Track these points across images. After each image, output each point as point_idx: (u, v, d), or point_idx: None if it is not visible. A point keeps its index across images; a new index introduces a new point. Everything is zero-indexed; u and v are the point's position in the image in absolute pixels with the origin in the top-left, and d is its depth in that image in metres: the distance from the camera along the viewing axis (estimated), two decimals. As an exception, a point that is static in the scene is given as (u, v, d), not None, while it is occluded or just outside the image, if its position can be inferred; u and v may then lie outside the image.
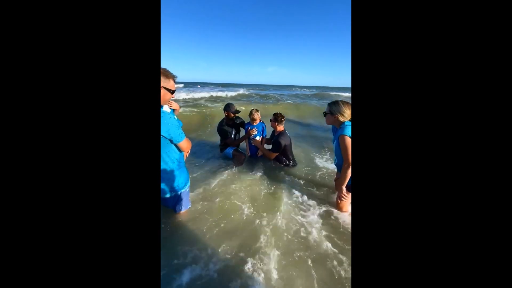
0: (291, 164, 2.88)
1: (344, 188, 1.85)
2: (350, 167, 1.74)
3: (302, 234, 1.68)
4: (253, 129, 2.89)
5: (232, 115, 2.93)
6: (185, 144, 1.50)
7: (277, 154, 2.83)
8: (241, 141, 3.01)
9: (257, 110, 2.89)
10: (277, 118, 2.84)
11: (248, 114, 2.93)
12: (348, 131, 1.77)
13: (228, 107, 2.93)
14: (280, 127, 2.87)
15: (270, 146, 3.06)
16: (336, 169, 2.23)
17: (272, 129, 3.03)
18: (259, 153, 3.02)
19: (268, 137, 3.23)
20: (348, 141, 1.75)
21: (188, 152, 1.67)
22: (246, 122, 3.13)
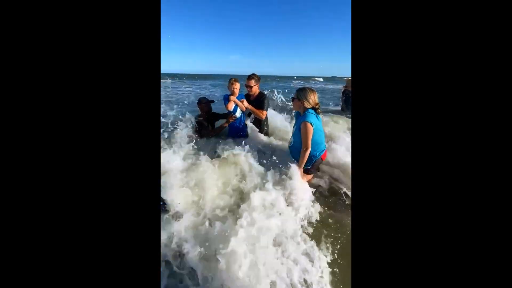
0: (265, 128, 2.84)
1: (301, 169, 2.02)
2: (307, 150, 1.95)
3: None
4: (233, 116, 2.61)
5: (204, 104, 2.78)
6: None
7: (266, 112, 2.73)
8: (221, 129, 2.81)
9: (236, 80, 2.62)
10: (255, 79, 2.70)
11: (228, 85, 2.61)
12: (310, 118, 1.94)
13: (202, 100, 2.82)
14: (256, 87, 2.75)
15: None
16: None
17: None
18: (248, 113, 2.72)
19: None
20: (309, 127, 1.92)
21: None
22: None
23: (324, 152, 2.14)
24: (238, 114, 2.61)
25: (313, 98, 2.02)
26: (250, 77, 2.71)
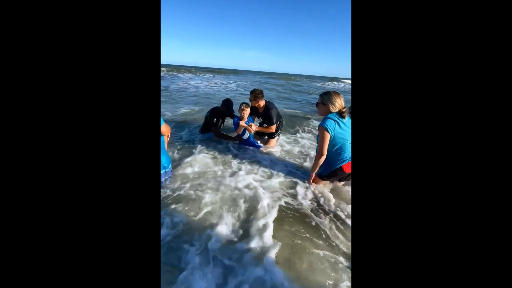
0: (280, 129, 3.08)
1: (313, 174, 2.00)
2: (321, 157, 1.88)
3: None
4: (242, 138, 2.92)
5: (227, 112, 3.07)
6: (164, 129, 1.79)
7: (275, 125, 2.95)
8: (226, 138, 3.05)
9: (247, 105, 2.84)
10: (256, 95, 2.90)
11: (238, 109, 2.88)
12: (328, 123, 1.83)
13: (230, 106, 3.04)
14: (262, 102, 2.95)
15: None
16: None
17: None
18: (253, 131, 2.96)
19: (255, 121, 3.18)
20: (324, 133, 1.82)
21: (168, 136, 1.92)
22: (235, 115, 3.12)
23: (348, 162, 1.90)
24: (245, 136, 2.90)
25: (339, 102, 1.89)
26: (251, 91, 2.94)
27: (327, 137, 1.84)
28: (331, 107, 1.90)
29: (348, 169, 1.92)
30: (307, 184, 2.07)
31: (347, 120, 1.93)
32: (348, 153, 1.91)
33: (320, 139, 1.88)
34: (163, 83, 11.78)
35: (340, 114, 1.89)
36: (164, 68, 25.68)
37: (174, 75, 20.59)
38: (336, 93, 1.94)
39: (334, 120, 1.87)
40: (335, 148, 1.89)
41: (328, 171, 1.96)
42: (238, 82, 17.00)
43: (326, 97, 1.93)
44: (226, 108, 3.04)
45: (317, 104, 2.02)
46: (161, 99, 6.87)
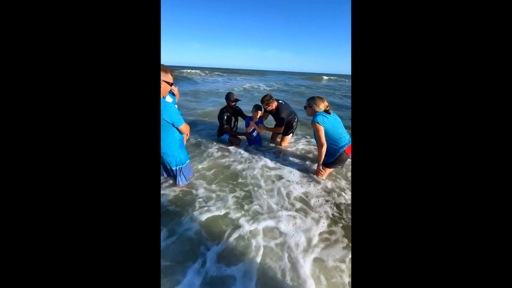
0: (295, 125, 3.31)
1: (320, 163, 2.38)
2: (323, 147, 2.28)
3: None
4: (250, 135, 3.27)
5: (232, 103, 3.22)
6: (184, 128, 1.91)
7: (283, 126, 3.17)
8: (237, 134, 3.32)
9: (260, 109, 3.20)
10: (266, 102, 3.11)
11: (252, 110, 3.23)
12: (317, 118, 2.29)
13: (228, 97, 3.22)
14: (273, 105, 3.13)
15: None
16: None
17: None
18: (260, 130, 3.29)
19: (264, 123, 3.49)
20: (317, 126, 2.27)
21: (187, 134, 2.06)
22: (247, 115, 3.41)
23: (348, 146, 2.27)
24: (254, 134, 3.31)
25: (323, 104, 2.35)
26: (262, 99, 3.17)
27: (321, 128, 2.26)
28: (316, 108, 2.36)
29: (350, 152, 2.29)
30: (317, 178, 2.42)
31: (333, 115, 2.39)
32: (343, 139, 2.31)
33: (316, 133, 2.29)
34: (192, 87, 12.43)
35: (326, 111, 2.37)
36: (187, 70, 26.78)
37: (199, 76, 21.47)
38: (319, 97, 2.42)
39: (322, 115, 2.31)
40: (332, 138, 2.31)
41: (333, 158, 2.33)
42: (264, 83, 17.28)
43: (312, 101, 2.41)
44: (230, 100, 3.20)
45: (305, 107, 2.47)
46: (190, 100, 7.33)
